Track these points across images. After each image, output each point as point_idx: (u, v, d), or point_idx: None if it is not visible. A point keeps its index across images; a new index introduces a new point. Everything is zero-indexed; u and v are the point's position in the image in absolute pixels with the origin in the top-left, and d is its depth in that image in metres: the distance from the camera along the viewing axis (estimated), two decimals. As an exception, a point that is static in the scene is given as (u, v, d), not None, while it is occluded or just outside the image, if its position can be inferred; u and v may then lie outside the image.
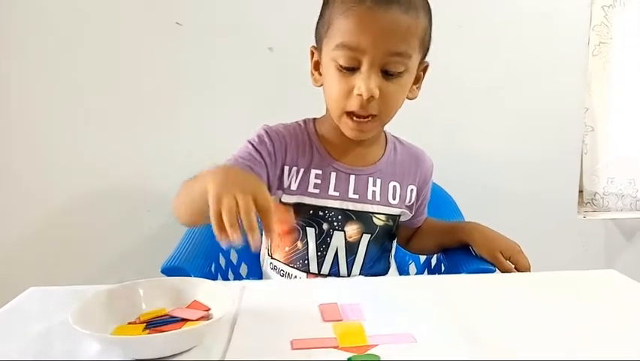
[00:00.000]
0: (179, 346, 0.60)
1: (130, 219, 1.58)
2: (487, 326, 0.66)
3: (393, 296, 0.76)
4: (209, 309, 0.68)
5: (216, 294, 0.69)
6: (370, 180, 0.93)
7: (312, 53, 0.92)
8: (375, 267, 0.97)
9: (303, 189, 0.92)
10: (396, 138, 1.02)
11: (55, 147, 1.54)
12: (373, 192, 0.93)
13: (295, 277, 0.95)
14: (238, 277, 1.18)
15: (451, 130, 1.59)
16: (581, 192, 1.73)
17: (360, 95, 0.81)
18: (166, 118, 1.53)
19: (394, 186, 0.96)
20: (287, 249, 0.95)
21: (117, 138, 1.54)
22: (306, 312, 0.70)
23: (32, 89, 1.51)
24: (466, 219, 1.19)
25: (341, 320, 0.67)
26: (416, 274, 1.24)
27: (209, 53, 1.49)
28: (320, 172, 0.92)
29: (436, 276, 1.05)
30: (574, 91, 1.60)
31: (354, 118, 0.84)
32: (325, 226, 0.91)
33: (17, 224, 1.58)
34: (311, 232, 0.92)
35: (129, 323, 0.66)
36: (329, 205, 0.91)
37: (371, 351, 0.59)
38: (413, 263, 1.26)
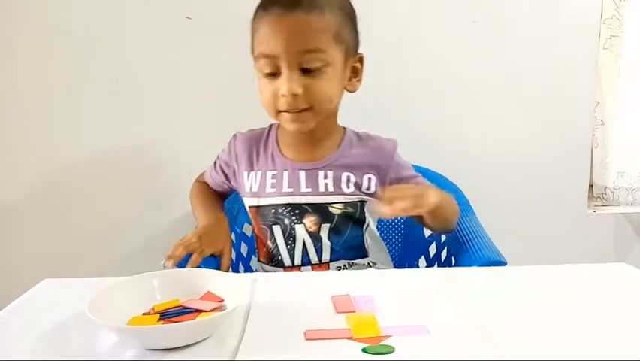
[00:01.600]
0: (194, 336, 0.61)
1: (143, 214, 1.59)
2: (498, 319, 0.66)
3: (404, 289, 0.76)
4: (222, 300, 0.68)
5: (229, 285, 0.69)
6: (321, 173, 0.99)
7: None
8: (347, 252, 1.00)
9: (261, 191, 1.01)
10: (357, 133, 1.05)
11: (62, 143, 1.55)
12: (325, 184, 0.98)
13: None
14: (248, 269, 1.18)
15: (463, 124, 1.58)
16: (591, 186, 1.72)
17: (285, 95, 0.88)
18: (176, 114, 1.54)
19: (348, 176, 0.99)
20: (265, 250, 1.03)
21: (128, 134, 1.55)
22: (319, 303, 0.70)
23: (36, 85, 1.52)
24: (477, 215, 1.19)
25: (354, 312, 0.67)
26: (426, 267, 1.24)
27: (218, 48, 1.49)
28: (275, 172, 1.00)
29: (447, 269, 1.05)
30: (584, 85, 1.59)
31: (289, 112, 0.91)
32: (287, 221, 0.98)
33: (31, 217, 1.59)
34: (277, 229, 0.99)
35: (144, 314, 0.67)
36: (285, 202, 0.98)
37: (385, 342, 0.59)
38: (423, 257, 1.26)
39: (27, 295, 0.77)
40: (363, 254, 1.02)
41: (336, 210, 0.98)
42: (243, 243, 1.20)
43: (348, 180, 0.99)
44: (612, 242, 1.71)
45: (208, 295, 0.70)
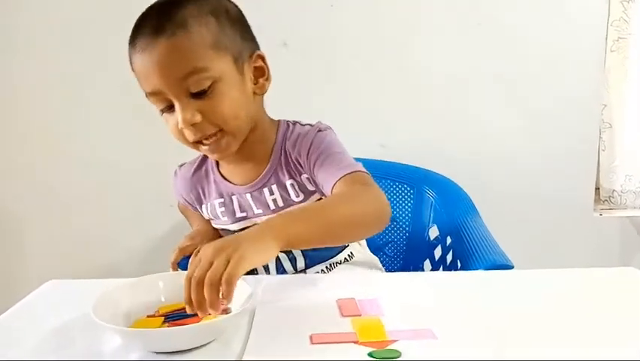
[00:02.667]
0: (199, 340, 0.60)
1: (147, 215, 1.59)
2: (505, 323, 0.65)
3: (410, 292, 0.76)
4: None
5: (235, 288, 0.69)
6: (266, 190, 0.92)
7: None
8: (322, 252, 0.95)
9: (216, 220, 0.97)
10: (288, 126, 0.94)
11: (65, 144, 1.56)
12: (274, 200, 0.92)
13: None
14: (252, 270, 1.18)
15: (467, 127, 1.58)
16: (598, 189, 1.71)
17: (183, 127, 0.80)
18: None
19: (292, 184, 0.92)
20: None
21: (131, 134, 1.55)
22: (324, 307, 0.70)
23: (46, 84, 1.53)
24: (482, 216, 1.19)
25: (360, 315, 0.67)
26: (431, 270, 1.23)
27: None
28: (222, 200, 0.95)
29: (453, 272, 1.05)
30: (591, 87, 1.58)
31: (203, 142, 0.84)
32: None
33: (35, 217, 1.60)
34: None
35: (148, 316, 0.67)
36: (243, 226, 0.93)
37: (391, 347, 0.58)
38: (428, 260, 1.25)
39: (32, 297, 0.77)
40: (340, 247, 0.97)
41: None
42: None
43: (294, 188, 0.92)
44: (618, 246, 1.70)
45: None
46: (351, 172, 0.83)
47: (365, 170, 0.86)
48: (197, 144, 0.85)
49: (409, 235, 1.32)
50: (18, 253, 1.62)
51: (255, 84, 0.87)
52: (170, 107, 0.82)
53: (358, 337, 0.61)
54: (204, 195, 0.99)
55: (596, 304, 0.71)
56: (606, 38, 1.57)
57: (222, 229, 0.98)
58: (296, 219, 0.71)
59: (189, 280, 0.60)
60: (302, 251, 0.95)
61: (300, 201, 0.91)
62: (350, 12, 1.51)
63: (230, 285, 0.58)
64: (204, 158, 0.99)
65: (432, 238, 1.25)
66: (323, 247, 0.89)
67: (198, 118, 0.80)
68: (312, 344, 0.60)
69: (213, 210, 0.97)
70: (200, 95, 0.79)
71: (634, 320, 0.66)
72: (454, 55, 1.54)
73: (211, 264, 0.59)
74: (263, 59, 0.89)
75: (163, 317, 0.67)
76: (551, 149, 1.59)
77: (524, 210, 1.60)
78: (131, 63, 0.83)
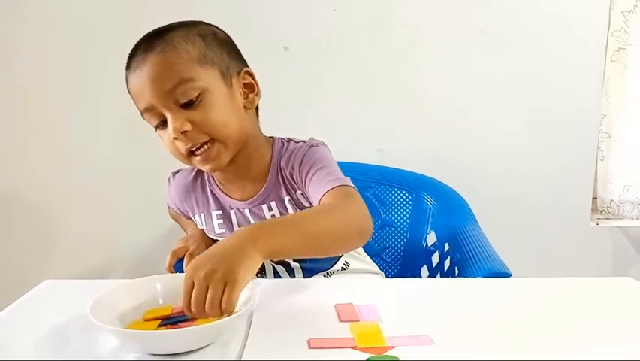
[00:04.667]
0: (196, 342, 0.60)
1: (145, 215, 1.58)
2: (503, 331, 0.65)
3: (408, 298, 0.76)
4: None
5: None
6: (264, 207, 0.93)
7: None
8: (319, 263, 0.97)
9: (211, 231, 0.98)
10: (282, 143, 0.97)
11: (75, 142, 1.56)
12: (272, 215, 0.93)
13: None
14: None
15: (466, 134, 1.58)
16: (595, 199, 1.71)
17: (175, 137, 0.83)
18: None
19: (289, 200, 0.93)
20: None
21: (131, 134, 1.54)
22: (322, 312, 0.70)
23: (46, 84, 1.53)
24: (480, 224, 1.19)
25: (358, 321, 0.67)
26: (428, 277, 1.23)
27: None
28: (220, 212, 0.97)
29: (450, 279, 1.05)
30: (591, 97, 1.58)
31: (195, 153, 0.86)
32: None
33: (32, 216, 1.59)
34: None
35: (145, 320, 0.66)
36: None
37: (389, 353, 0.58)
38: (425, 266, 1.25)
39: (28, 296, 0.77)
40: (336, 257, 0.99)
41: None
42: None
43: (291, 204, 0.93)
44: (615, 256, 1.70)
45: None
46: (338, 186, 0.84)
47: (352, 184, 0.86)
48: (189, 156, 0.86)
49: (407, 241, 1.31)
50: (14, 252, 1.61)
51: (245, 99, 0.90)
52: (163, 123, 0.84)
53: (356, 342, 0.61)
54: (197, 205, 0.99)
55: (592, 314, 0.71)
56: (606, 48, 1.57)
57: (216, 239, 0.99)
58: (276, 230, 0.71)
59: (188, 304, 0.60)
60: (300, 264, 0.96)
61: None
62: (352, 17, 1.51)
63: (231, 311, 0.60)
64: (200, 169, 0.99)
65: (430, 245, 1.25)
66: (307, 257, 0.89)
67: (188, 126, 0.82)
68: (310, 348, 0.60)
69: (209, 221, 0.97)
70: (188, 105, 0.82)
71: (631, 330, 0.66)
72: (455, 62, 1.54)
73: (206, 288, 0.60)
74: (252, 75, 0.92)
75: (159, 320, 0.66)
76: (550, 158, 1.60)
77: (522, 218, 1.61)
78: (127, 85, 0.87)
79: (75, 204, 1.59)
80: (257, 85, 0.92)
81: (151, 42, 0.84)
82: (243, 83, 0.90)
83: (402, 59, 1.53)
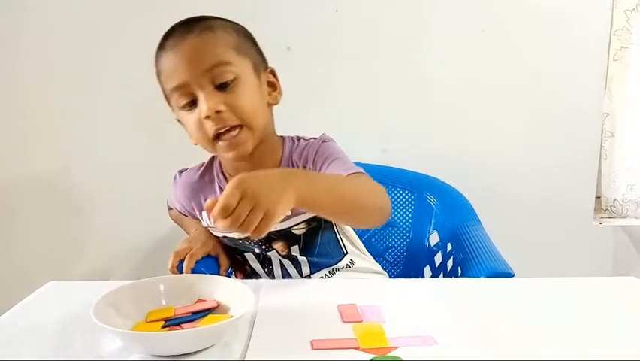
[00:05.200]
0: (199, 344, 0.60)
1: (147, 215, 1.58)
2: (506, 331, 0.65)
3: (411, 299, 0.76)
4: (219, 304, 0.68)
5: (236, 292, 0.69)
6: None
7: (179, 121, 0.94)
8: (326, 259, 0.99)
9: (217, 228, 0.98)
10: (293, 141, 0.99)
11: (74, 144, 1.56)
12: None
13: None
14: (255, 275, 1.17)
15: (468, 134, 1.58)
16: (598, 198, 1.71)
17: (208, 116, 0.83)
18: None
19: None
20: (241, 274, 1.03)
21: (133, 135, 1.55)
22: (325, 312, 0.70)
23: (47, 84, 1.53)
24: (483, 223, 1.18)
25: (361, 321, 0.67)
26: (431, 277, 1.23)
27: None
28: None
29: (454, 279, 1.04)
30: (593, 96, 1.58)
31: (222, 137, 0.86)
32: (257, 250, 0.98)
33: (34, 216, 1.60)
34: (250, 256, 0.99)
35: (148, 322, 0.67)
36: (244, 236, 0.95)
37: (392, 353, 0.58)
38: (428, 266, 1.25)
39: (32, 298, 0.77)
40: (341, 254, 1.00)
41: (300, 230, 0.96)
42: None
43: None
44: (618, 255, 1.70)
45: (199, 303, 0.70)
46: (356, 172, 0.88)
47: (368, 175, 0.89)
48: (214, 140, 0.87)
49: (410, 240, 1.31)
50: (17, 254, 1.62)
51: (269, 95, 0.93)
52: (191, 104, 0.86)
53: (359, 343, 0.61)
54: (204, 200, 0.98)
55: (596, 314, 0.71)
56: (609, 47, 1.57)
57: (224, 236, 0.99)
58: (317, 183, 0.77)
59: (223, 213, 0.64)
60: (307, 258, 0.97)
61: (306, 212, 0.93)
62: (354, 17, 1.51)
63: (259, 236, 0.67)
64: (209, 165, 1.01)
65: (432, 245, 1.25)
66: (329, 217, 0.90)
67: (222, 107, 0.84)
68: (313, 349, 0.60)
69: None
70: (223, 87, 0.85)
71: (635, 330, 0.66)
72: (457, 61, 1.54)
73: (248, 209, 0.64)
74: (275, 75, 0.96)
75: (162, 321, 0.66)
76: (553, 157, 1.59)
77: (525, 218, 1.60)
78: (156, 66, 0.89)
79: (76, 205, 1.59)
80: (279, 84, 0.96)
81: (190, 25, 0.86)
82: (267, 81, 0.93)
83: (403, 59, 1.53)
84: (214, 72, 0.84)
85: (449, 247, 1.17)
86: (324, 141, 0.96)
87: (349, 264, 1.00)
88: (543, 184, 1.61)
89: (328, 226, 0.99)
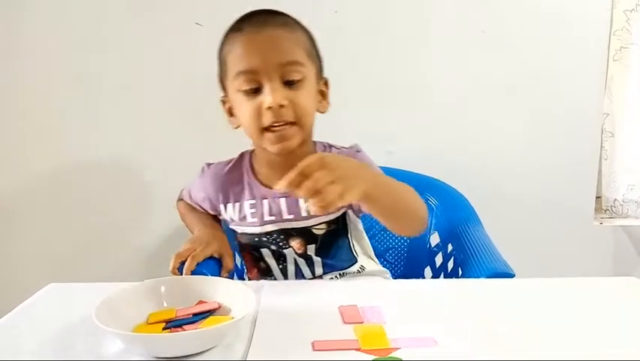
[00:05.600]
0: (201, 345, 0.60)
1: (148, 217, 1.59)
2: (508, 332, 0.65)
3: (411, 299, 0.75)
4: (219, 306, 0.68)
5: (237, 293, 0.69)
6: (301, 199, 0.95)
7: (223, 102, 0.98)
8: (338, 262, 1.00)
9: (242, 221, 1.00)
10: (326, 148, 1.02)
11: (75, 145, 1.56)
12: (306, 208, 0.96)
13: None
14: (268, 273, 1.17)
15: (469, 134, 1.58)
16: (599, 198, 1.71)
17: (270, 107, 0.86)
18: (190, 116, 1.54)
19: None
20: (255, 271, 1.03)
21: (134, 136, 1.55)
22: (326, 313, 0.70)
23: (47, 84, 1.53)
24: (483, 224, 1.18)
25: (362, 322, 0.67)
26: (432, 277, 1.23)
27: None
28: (253, 202, 0.99)
29: (454, 280, 1.04)
30: (593, 96, 1.58)
31: (273, 128, 0.89)
32: (274, 247, 0.99)
33: (35, 218, 1.59)
34: (266, 252, 1.00)
35: (149, 323, 0.67)
36: (269, 230, 0.98)
37: (393, 354, 0.58)
38: (429, 267, 1.25)
39: (32, 300, 0.77)
40: (353, 260, 1.02)
41: (319, 230, 0.98)
42: (237, 254, 1.19)
43: None
44: (618, 255, 1.70)
45: (200, 304, 0.70)
46: None
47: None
48: (265, 131, 0.89)
49: (410, 241, 1.31)
50: (19, 255, 1.62)
51: (319, 102, 0.96)
52: (254, 91, 0.88)
53: (360, 344, 0.61)
54: (232, 193, 1.01)
55: (597, 314, 0.71)
56: (609, 47, 1.57)
57: (242, 233, 1.01)
58: (383, 183, 0.82)
59: (298, 178, 0.68)
60: (322, 260, 0.98)
61: (332, 211, 0.96)
62: (354, 18, 1.51)
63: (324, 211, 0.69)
64: (238, 162, 1.03)
65: (433, 245, 1.25)
66: (381, 218, 0.89)
67: (286, 102, 0.87)
68: (314, 350, 0.60)
69: (241, 209, 1.00)
70: (289, 84, 0.88)
71: (636, 330, 0.66)
72: (457, 61, 1.54)
73: (324, 183, 0.67)
74: (327, 85, 0.99)
75: (163, 323, 0.66)
76: (553, 157, 1.59)
77: (525, 218, 1.60)
78: (225, 45, 0.92)
79: (77, 206, 1.59)
80: (328, 95, 0.99)
81: (269, 16, 0.90)
82: (319, 90, 0.97)
83: (403, 60, 1.53)
84: (287, 68, 0.87)
85: (450, 247, 1.17)
86: (358, 151, 1.00)
87: (360, 270, 1.02)
88: (543, 184, 1.61)
89: (344, 231, 1.01)
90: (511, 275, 0.91)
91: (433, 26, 1.52)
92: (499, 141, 1.59)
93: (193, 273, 0.88)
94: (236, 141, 1.06)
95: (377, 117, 1.56)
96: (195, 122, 1.54)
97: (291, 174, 0.68)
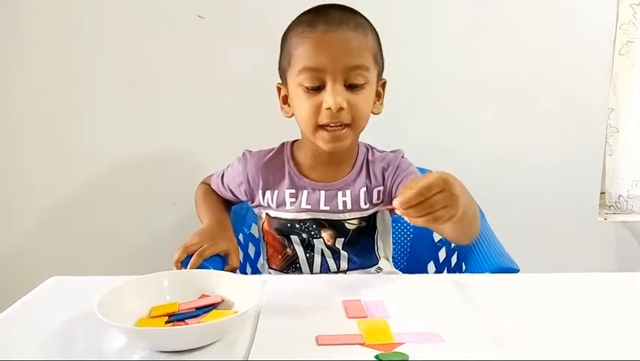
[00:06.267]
0: (204, 339, 0.60)
1: (155, 213, 1.58)
2: (512, 327, 0.65)
3: (415, 294, 0.75)
4: (222, 300, 0.68)
5: (240, 287, 0.69)
6: (340, 193, 0.99)
7: (279, 89, 1.00)
8: (362, 260, 1.02)
9: (280, 207, 1.01)
10: (368, 148, 1.05)
11: (77, 142, 1.56)
12: (344, 202, 0.99)
13: None
14: (255, 270, 1.17)
15: (473, 130, 1.57)
16: (603, 193, 1.70)
17: (329, 108, 0.87)
18: (189, 114, 1.53)
19: (364, 192, 1.00)
20: (280, 257, 1.03)
21: (140, 132, 1.55)
22: (330, 308, 0.69)
23: (48, 84, 1.52)
24: (488, 219, 1.18)
25: (366, 317, 0.66)
26: (435, 272, 1.23)
27: (231, 46, 1.49)
28: (293, 191, 1.01)
29: (458, 275, 1.04)
30: (598, 91, 1.57)
31: (328, 128, 0.91)
32: (304, 235, 1.00)
33: (38, 213, 1.59)
34: (295, 239, 1.01)
35: (151, 317, 0.66)
36: (303, 217, 0.99)
37: (397, 349, 0.58)
38: (432, 262, 1.24)
39: (34, 293, 0.77)
40: (375, 260, 1.03)
41: (351, 225, 0.99)
42: (250, 244, 1.19)
43: (365, 196, 1.00)
44: (622, 251, 1.69)
45: (203, 298, 0.69)
46: None
47: None
48: (319, 128, 0.91)
49: (414, 236, 1.31)
50: (20, 250, 1.62)
51: (373, 104, 0.97)
52: (316, 89, 0.89)
53: (365, 339, 0.61)
54: (272, 181, 1.02)
55: (602, 310, 0.70)
56: (614, 42, 1.56)
57: (274, 217, 1.02)
58: (471, 205, 0.83)
59: (417, 196, 0.65)
60: (349, 254, 1.00)
61: (366, 209, 0.99)
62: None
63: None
64: (279, 151, 1.05)
65: (436, 240, 1.24)
66: (447, 228, 0.88)
67: (345, 105, 0.88)
68: (318, 345, 0.59)
69: (281, 196, 1.01)
70: (352, 88, 0.89)
71: (643, 326, 0.65)
72: (461, 57, 1.53)
73: (436, 207, 0.67)
74: (384, 87, 1.00)
75: (166, 317, 0.66)
76: (557, 152, 1.59)
77: (530, 213, 1.60)
78: (293, 36, 0.92)
79: (78, 202, 1.59)
80: (383, 96, 1.00)
81: (345, 15, 0.90)
82: (376, 90, 0.97)
83: (408, 56, 1.52)
84: (353, 72, 0.88)
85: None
86: (402, 156, 1.04)
87: (377, 270, 1.03)
88: (547, 180, 1.60)
89: (372, 230, 1.02)
90: (515, 270, 0.90)
91: (436, 22, 1.51)
92: (503, 135, 1.58)
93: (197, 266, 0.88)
94: (238, 145, 1.08)
95: (378, 115, 1.55)
96: (202, 119, 1.54)
97: (410, 194, 0.66)
